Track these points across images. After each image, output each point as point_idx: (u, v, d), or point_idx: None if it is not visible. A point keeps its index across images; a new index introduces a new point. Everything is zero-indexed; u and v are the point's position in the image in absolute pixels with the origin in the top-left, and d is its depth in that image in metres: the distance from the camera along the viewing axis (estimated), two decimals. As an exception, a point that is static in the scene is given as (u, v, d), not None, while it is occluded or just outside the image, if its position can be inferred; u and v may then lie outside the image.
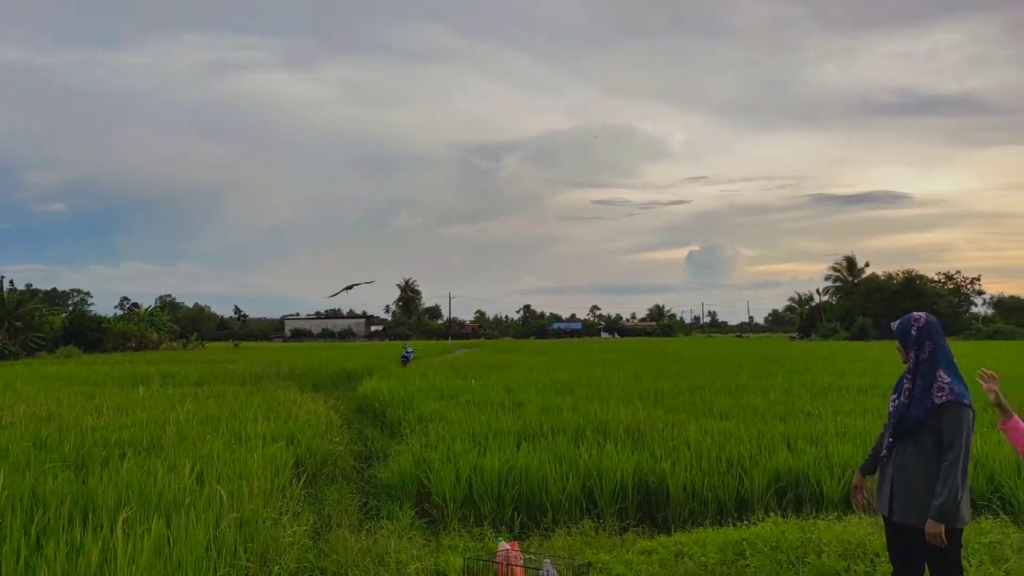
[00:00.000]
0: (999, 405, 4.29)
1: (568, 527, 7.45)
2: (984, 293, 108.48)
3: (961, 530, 4.29)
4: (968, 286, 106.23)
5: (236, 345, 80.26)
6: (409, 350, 34.13)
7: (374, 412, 15.43)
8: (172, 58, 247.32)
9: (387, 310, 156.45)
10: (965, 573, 5.08)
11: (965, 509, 4.24)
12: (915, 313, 4.54)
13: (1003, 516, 7.20)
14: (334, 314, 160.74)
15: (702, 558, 5.97)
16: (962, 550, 4.57)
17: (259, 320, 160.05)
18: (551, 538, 7.16)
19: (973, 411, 4.23)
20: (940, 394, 4.22)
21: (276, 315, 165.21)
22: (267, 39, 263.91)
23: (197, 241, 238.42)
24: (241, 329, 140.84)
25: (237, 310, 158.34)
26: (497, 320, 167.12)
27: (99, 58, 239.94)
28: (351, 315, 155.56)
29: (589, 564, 5.28)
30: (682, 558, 6.06)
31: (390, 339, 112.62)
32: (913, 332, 4.43)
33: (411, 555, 6.19)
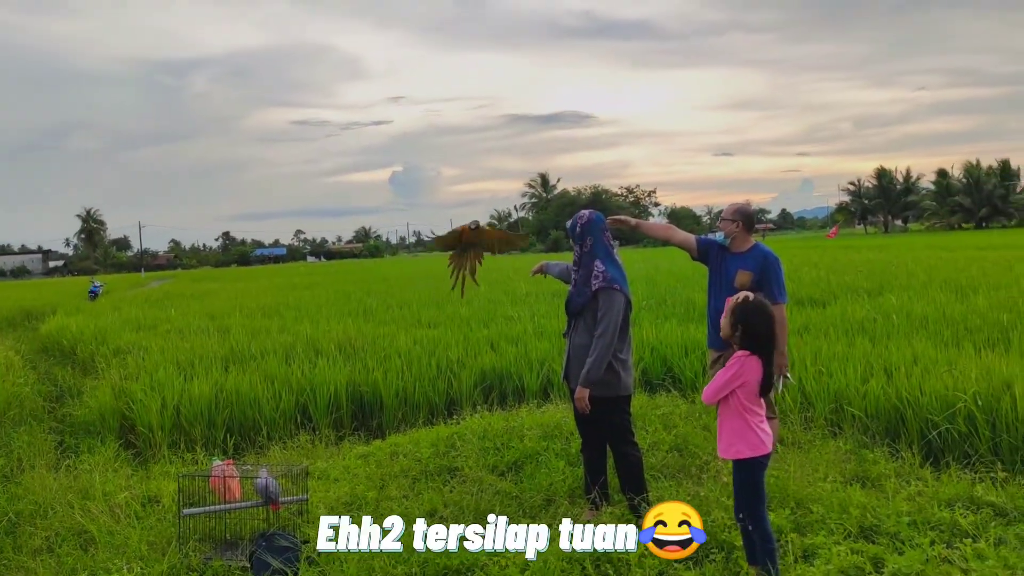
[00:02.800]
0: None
1: (284, 442, 7.48)
2: (660, 204, 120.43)
3: (628, 398, 4.90)
4: (646, 199, 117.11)
5: None
6: (97, 284, 31.54)
7: (62, 350, 14.20)
8: None
9: (67, 243, 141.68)
10: (642, 439, 5.81)
11: (627, 379, 4.83)
12: (581, 211, 5.03)
13: (674, 392, 8.24)
14: (3, 250, 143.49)
15: (416, 454, 6.29)
16: (637, 420, 5.22)
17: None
18: (267, 454, 7.17)
19: (626, 296, 4.79)
20: (595, 281, 4.75)
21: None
22: None
23: None
24: None
25: None
26: (195, 249, 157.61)
27: None
28: (24, 251, 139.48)
29: (307, 469, 5.38)
30: (397, 456, 6.35)
31: (73, 275, 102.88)
32: (578, 228, 4.92)
33: (119, 485, 5.92)
